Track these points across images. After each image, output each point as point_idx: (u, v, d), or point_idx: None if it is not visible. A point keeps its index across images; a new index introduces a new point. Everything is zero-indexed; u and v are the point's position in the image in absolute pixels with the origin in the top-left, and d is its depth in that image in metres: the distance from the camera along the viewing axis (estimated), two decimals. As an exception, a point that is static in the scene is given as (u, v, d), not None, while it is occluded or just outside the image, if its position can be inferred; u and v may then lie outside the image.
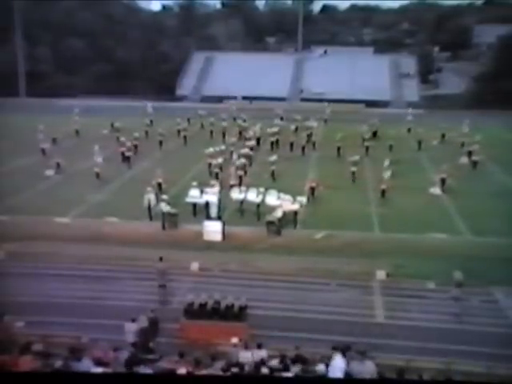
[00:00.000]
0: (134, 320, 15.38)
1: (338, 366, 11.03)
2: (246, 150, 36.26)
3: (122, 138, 39.62)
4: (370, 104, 61.78)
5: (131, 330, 15.20)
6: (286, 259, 21.74)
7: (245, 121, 46.55)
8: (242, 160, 33.67)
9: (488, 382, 13.14)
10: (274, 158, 34.11)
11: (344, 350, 11.51)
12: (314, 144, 40.56)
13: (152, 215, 25.75)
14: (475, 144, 37.62)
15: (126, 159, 36.58)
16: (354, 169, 32.61)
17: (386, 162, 32.21)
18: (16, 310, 15.44)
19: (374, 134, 43.79)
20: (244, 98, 64.27)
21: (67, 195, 29.22)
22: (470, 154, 36.93)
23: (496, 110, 52.69)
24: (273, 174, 32.41)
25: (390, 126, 45.89)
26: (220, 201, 25.06)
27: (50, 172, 33.32)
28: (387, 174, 30.10)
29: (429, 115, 54.32)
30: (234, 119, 48.84)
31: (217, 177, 30.53)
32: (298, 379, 8.91)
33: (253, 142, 39.46)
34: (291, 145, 39.86)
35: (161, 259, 19.08)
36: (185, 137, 43.03)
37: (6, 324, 13.58)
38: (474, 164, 35.47)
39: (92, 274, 20.45)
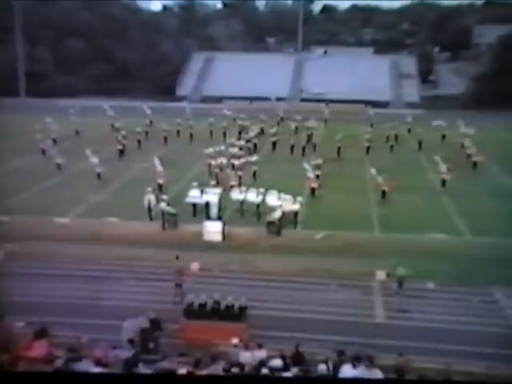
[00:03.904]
0: (132, 317, 15.38)
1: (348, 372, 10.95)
2: (235, 150, 36.37)
3: (122, 132, 40.58)
4: (370, 104, 61.73)
5: (129, 326, 15.21)
6: (286, 259, 21.73)
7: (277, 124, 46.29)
8: (242, 160, 33.70)
9: (488, 382, 13.14)
10: (255, 158, 34.12)
11: (354, 358, 11.44)
12: (314, 146, 40.16)
13: (152, 215, 25.76)
14: (474, 144, 37.65)
15: (122, 153, 38.30)
16: (318, 172, 31.37)
17: (373, 171, 30.92)
18: (16, 310, 15.44)
19: (396, 137, 43.17)
20: (278, 99, 64.88)
21: (67, 195, 29.23)
22: (469, 157, 36.90)
23: (496, 110, 52.68)
24: (254, 174, 32.10)
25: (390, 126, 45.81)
26: (220, 201, 25.05)
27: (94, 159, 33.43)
28: (379, 179, 29.62)
29: (429, 115, 54.31)
30: (234, 120, 48.83)
31: (216, 177, 30.55)
32: (298, 379, 8.91)
33: (242, 142, 39.54)
34: (292, 146, 39.74)
35: (177, 258, 19.33)
36: (191, 134, 43.49)
37: (6, 324, 13.57)
38: (474, 164, 35.44)
39: (92, 274, 20.45)
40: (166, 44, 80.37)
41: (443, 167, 31.71)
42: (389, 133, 42.77)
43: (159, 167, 31.08)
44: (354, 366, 10.87)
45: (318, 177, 31.12)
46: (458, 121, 45.26)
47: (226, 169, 31.98)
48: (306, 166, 30.90)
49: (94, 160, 33.02)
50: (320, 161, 33.45)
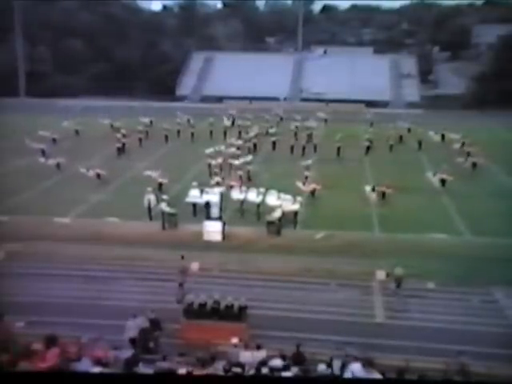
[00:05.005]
0: (135, 316, 15.43)
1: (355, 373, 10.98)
2: (232, 150, 36.40)
3: (122, 131, 40.70)
4: (370, 104, 61.81)
5: (131, 326, 15.23)
6: (286, 259, 21.71)
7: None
8: (242, 159, 33.72)
9: (488, 381, 13.14)
10: (249, 157, 34.03)
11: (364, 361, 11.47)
12: (315, 147, 39.90)
13: (152, 215, 25.75)
14: (474, 145, 37.64)
15: (121, 151, 38.64)
16: (307, 173, 31.06)
17: (368, 188, 29.52)
18: (16, 310, 15.45)
19: (400, 137, 43.15)
20: (285, 99, 65.65)
21: (67, 195, 29.22)
22: (468, 154, 36.88)
23: (496, 110, 52.68)
24: (248, 173, 31.96)
25: (390, 126, 45.78)
26: (221, 201, 25.02)
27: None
28: (372, 196, 28.87)
29: (428, 115, 54.37)
30: (233, 121, 48.76)
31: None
32: (298, 379, 8.91)
33: (240, 142, 39.55)
34: (291, 146, 39.65)
35: (182, 258, 19.52)
36: (192, 133, 43.49)
37: (6, 324, 13.58)
38: (474, 164, 35.32)
39: (92, 274, 20.43)
40: (165, 44, 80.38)
41: (436, 180, 31.34)
42: (389, 133, 42.71)
43: (155, 173, 30.46)
44: (364, 366, 10.89)
45: (306, 178, 30.66)
46: (458, 121, 45.10)
47: (225, 168, 32.00)
48: (299, 184, 29.40)
49: (90, 173, 31.98)
50: (309, 161, 33.35)
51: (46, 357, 10.66)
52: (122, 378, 6.63)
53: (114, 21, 79.46)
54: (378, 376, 10.65)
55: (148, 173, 30.73)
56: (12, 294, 17.52)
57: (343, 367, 11.70)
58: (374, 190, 28.95)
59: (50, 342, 11.25)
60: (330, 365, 12.20)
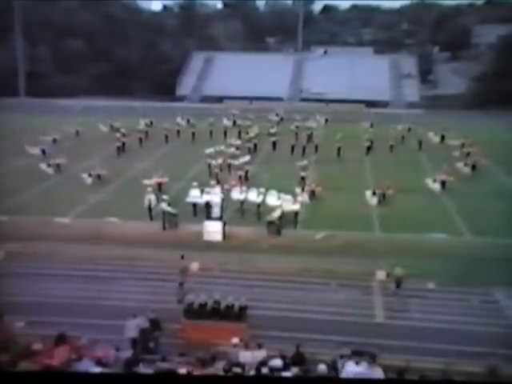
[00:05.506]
0: (135, 316, 15.43)
1: (350, 370, 11.00)
2: (232, 150, 36.40)
3: (122, 130, 40.71)
4: (370, 104, 61.82)
5: (131, 326, 15.24)
6: (286, 259, 21.72)
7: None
8: (242, 159, 33.73)
9: (488, 382, 13.13)
10: (247, 158, 33.99)
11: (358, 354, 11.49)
12: (315, 147, 39.65)
13: (152, 215, 25.74)
14: (475, 145, 37.63)
15: (120, 150, 38.73)
16: (303, 174, 31.00)
17: (368, 192, 29.10)
18: (16, 310, 15.45)
19: (402, 138, 43.12)
20: (289, 98, 66.17)
21: (67, 195, 29.21)
22: (468, 154, 36.88)
23: (496, 110, 52.67)
24: (246, 174, 31.89)
25: (390, 126, 45.75)
26: (223, 201, 25.01)
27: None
28: (373, 201, 28.56)
29: (428, 115, 54.35)
30: (234, 122, 48.76)
31: (216, 177, 30.54)
32: (298, 379, 8.92)
33: (239, 142, 39.56)
34: (292, 146, 39.62)
35: (182, 257, 19.57)
36: (193, 133, 43.45)
37: (6, 324, 13.59)
38: (474, 166, 35.20)
39: (92, 274, 20.43)
40: (165, 44, 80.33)
41: (436, 186, 31.20)
42: (389, 133, 42.70)
43: (155, 178, 29.94)
44: (357, 364, 10.90)
45: (303, 178, 30.62)
46: (458, 121, 45.11)
47: (225, 169, 31.98)
48: (298, 190, 28.84)
49: (90, 179, 31.66)
50: (305, 162, 33.33)
51: (53, 354, 10.71)
52: (122, 378, 6.63)
53: (114, 21, 79.40)
54: (380, 371, 10.66)
55: (147, 181, 29.30)
56: (12, 294, 17.51)
57: (343, 367, 11.72)
58: (374, 193, 28.74)
59: (60, 340, 11.29)
60: (330, 365, 12.20)
